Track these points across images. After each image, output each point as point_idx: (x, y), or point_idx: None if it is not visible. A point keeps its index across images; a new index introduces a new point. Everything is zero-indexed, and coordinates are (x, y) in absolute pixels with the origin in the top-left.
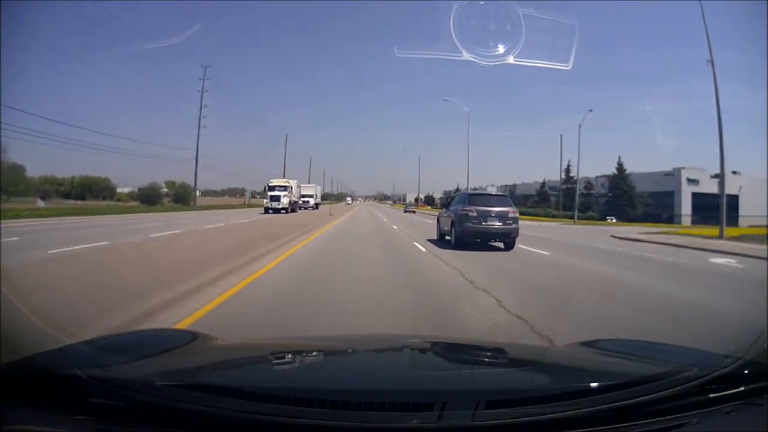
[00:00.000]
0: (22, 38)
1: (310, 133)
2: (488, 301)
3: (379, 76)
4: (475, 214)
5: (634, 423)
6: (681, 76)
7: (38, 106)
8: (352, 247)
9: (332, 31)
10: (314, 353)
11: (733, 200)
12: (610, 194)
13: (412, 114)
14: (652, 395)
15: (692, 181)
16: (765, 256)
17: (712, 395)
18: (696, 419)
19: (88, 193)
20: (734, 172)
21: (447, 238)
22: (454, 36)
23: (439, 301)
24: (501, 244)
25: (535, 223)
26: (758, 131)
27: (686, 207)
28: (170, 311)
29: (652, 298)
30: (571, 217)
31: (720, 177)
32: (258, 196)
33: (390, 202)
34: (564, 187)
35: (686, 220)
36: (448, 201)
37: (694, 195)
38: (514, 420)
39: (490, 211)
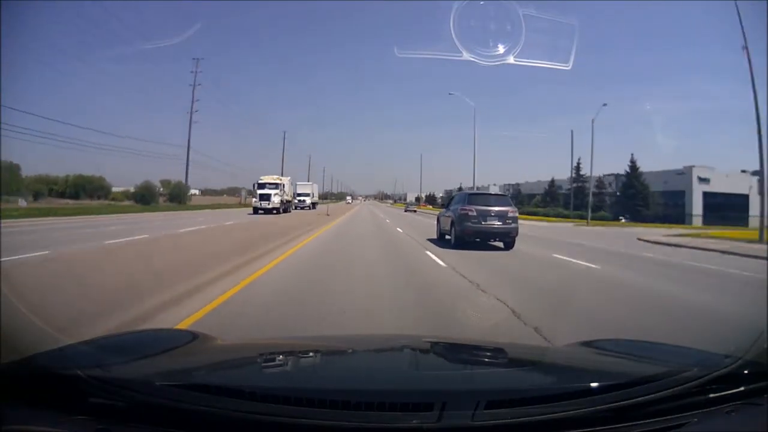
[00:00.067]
0: (22, 38)
1: (311, 133)
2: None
3: (379, 76)
4: (474, 214)
5: (634, 423)
6: (681, 76)
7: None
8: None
9: (332, 31)
10: (314, 353)
11: (743, 200)
12: (617, 193)
13: (413, 114)
14: (652, 395)
15: (703, 180)
16: None
17: (712, 395)
18: (696, 419)
19: (83, 192)
20: (744, 171)
21: (447, 237)
22: (454, 36)
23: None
24: (501, 244)
25: (546, 224)
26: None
27: (697, 207)
28: None
29: None
30: (583, 218)
31: (760, 175)
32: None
33: (390, 201)
34: (574, 185)
35: (697, 220)
36: (448, 201)
37: (705, 194)
38: (514, 420)
39: (490, 210)
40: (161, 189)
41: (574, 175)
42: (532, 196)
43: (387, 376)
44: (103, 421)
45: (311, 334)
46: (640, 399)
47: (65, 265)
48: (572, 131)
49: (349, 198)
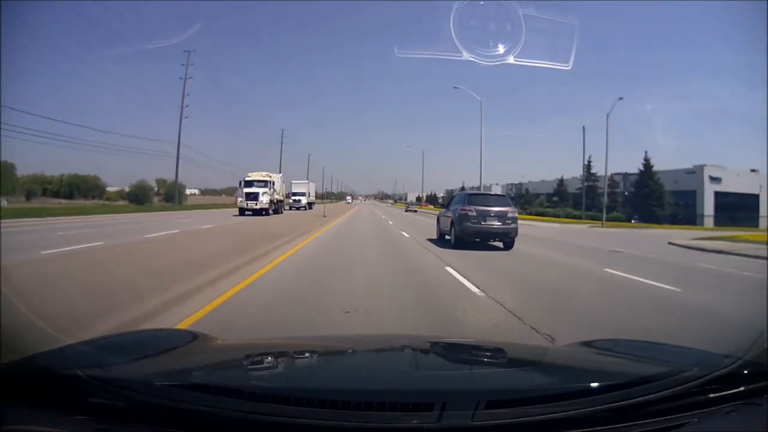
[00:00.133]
0: (22, 38)
1: (311, 133)
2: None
3: (379, 76)
4: (474, 214)
5: (634, 423)
6: (681, 76)
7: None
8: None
9: (332, 31)
10: (314, 353)
11: (753, 199)
12: (625, 193)
13: (413, 114)
14: (652, 395)
15: (715, 180)
16: None
17: (712, 395)
18: (696, 419)
19: (77, 192)
20: (753, 170)
21: (447, 237)
22: (454, 36)
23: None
24: (501, 244)
25: (557, 225)
26: (758, 131)
27: (708, 207)
28: None
29: None
30: (595, 218)
31: None
32: None
33: (391, 201)
34: (586, 184)
35: (708, 221)
36: (448, 201)
37: (717, 194)
38: (514, 420)
39: (490, 211)
40: (157, 188)
41: (585, 173)
42: (536, 195)
43: (387, 376)
44: (103, 421)
45: (311, 334)
46: (640, 399)
47: None
48: (584, 128)
49: (349, 198)
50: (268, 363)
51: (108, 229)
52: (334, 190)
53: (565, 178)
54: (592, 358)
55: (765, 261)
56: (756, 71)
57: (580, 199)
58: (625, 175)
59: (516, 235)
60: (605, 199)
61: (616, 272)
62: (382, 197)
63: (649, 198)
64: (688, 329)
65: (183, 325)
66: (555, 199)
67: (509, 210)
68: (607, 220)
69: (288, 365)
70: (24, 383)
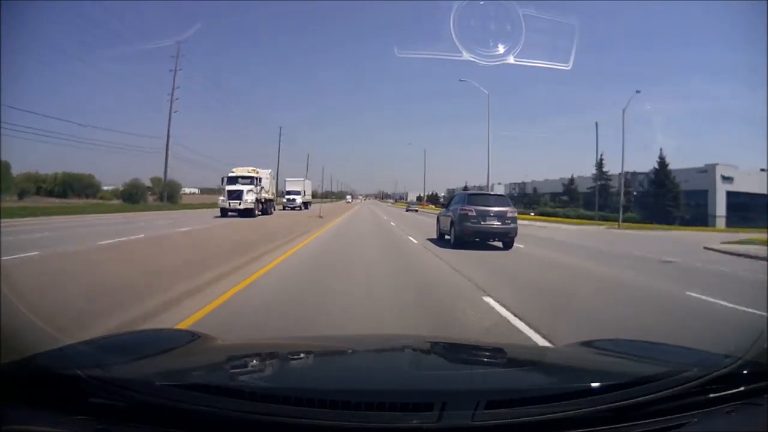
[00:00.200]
0: (22, 38)
1: (311, 133)
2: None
3: (379, 76)
4: (474, 214)
5: (634, 423)
6: (681, 76)
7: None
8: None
9: (332, 31)
10: (314, 353)
11: (764, 199)
12: (635, 192)
13: (413, 114)
14: (652, 395)
15: (726, 179)
16: None
17: (712, 395)
18: (696, 419)
19: (70, 191)
20: (763, 170)
21: (447, 237)
22: (454, 36)
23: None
24: (500, 244)
25: (572, 227)
26: (758, 131)
27: (721, 207)
28: None
29: None
30: (607, 219)
31: None
32: None
33: (391, 200)
34: (599, 183)
35: (720, 221)
36: (448, 201)
37: (729, 194)
38: (514, 420)
39: (489, 210)
40: (152, 187)
41: (597, 172)
42: (539, 195)
43: (387, 376)
44: (103, 421)
45: (311, 334)
46: (640, 399)
47: None
48: (597, 123)
49: (349, 197)
50: (268, 363)
51: (65, 232)
52: (334, 190)
53: (575, 176)
54: (592, 358)
55: None
56: (756, 71)
57: (591, 199)
58: (634, 174)
59: (515, 234)
60: (622, 199)
61: (705, 297)
62: (383, 197)
63: (665, 198)
64: None
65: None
66: (564, 198)
67: (509, 210)
68: (622, 220)
69: (288, 365)
70: (24, 383)
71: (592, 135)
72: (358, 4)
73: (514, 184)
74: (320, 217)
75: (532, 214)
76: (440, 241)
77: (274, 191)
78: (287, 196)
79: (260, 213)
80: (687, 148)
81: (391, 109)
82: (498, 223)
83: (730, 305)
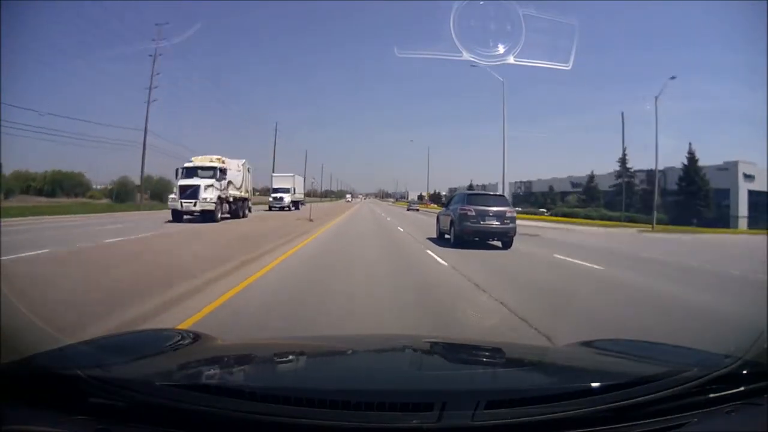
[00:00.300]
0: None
1: (311, 133)
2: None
3: (379, 76)
4: (473, 214)
5: (634, 423)
6: (681, 76)
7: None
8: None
9: (332, 31)
10: (314, 353)
11: None
12: (647, 190)
13: (413, 113)
14: (652, 395)
15: (748, 177)
16: None
17: (712, 395)
18: (696, 419)
19: (59, 190)
20: None
21: (446, 236)
22: (454, 36)
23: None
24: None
25: (600, 229)
26: (758, 131)
27: (743, 206)
28: None
29: None
30: (633, 220)
31: None
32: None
33: (392, 200)
34: (620, 180)
35: (742, 222)
36: (447, 200)
37: (750, 193)
38: (514, 420)
39: (489, 210)
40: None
41: (620, 168)
42: (545, 194)
43: (387, 376)
44: (103, 421)
45: (311, 334)
46: (640, 399)
47: None
48: (623, 113)
49: (348, 196)
50: (268, 363)
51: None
52: (334, 189)
53: (576, 174)
54: (592, 358)
55: None
56: (756, 71)
57: (612, 198)
58: (648, 173)
59: (514, 234)
60: (656, 199)
61: None
62: (383, 196)
63: (695, 197)
64: None
65: None
66: (571, 196)
67: (508, 210)
68: (648, 222)
69: (288, 365)
70: (24, 383)
71: (592, 135)
72: (358, 4)
73: (520, 182)
74: (310, 220)
75: (547, 213)
76: (440, 240)
77: (249, 187)
78: (273, 195)
79: (227, 215)
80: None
81: (391, 109)
82: (497, 222)
83: None
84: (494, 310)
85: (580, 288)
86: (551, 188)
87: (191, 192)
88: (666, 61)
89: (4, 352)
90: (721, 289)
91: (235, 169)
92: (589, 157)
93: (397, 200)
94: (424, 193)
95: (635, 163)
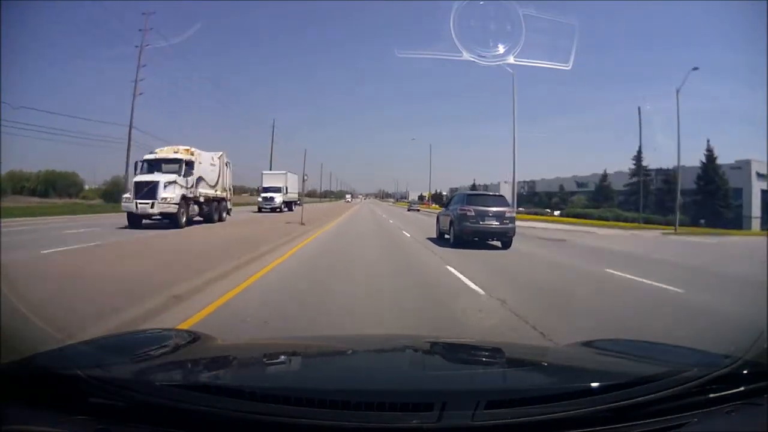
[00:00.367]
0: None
1: (311, 133)
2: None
3: (379, 76)
4: (473, 214)
5: (634, 423)
6: (681, 76)
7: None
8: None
9: (332, 31)
10: (314, 353)
11: None
12: (663, 190)
13: (413, 113)
14: (652, 395)
15: (761, 176)
16: None
17: (712, 395)
18: (696, 419)
19: (52, 190)
20: None
21: (446, 236)
22: (454, 36)
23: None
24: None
25: (621, 232)
26: (758, 131)
27: (756, 207)
28: None
29: None
30: (652, 222)
31: None
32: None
33: (392, 200)
34: (635, 180)
35: (755, 223)
36: (447, 201)
37: (764, 192)
38: (514, 420)
39: (488, 211)
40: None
41: (635, 166)
42: (550, 194)
43: (387, 376)
44: (103, 421)
45: (311, 334)
46: (640, 399)
47: None
48: (639, 108)
49: (348, 196)
50: (268, 363)
51: None
52: (334, 189)
53: (581, 174)
54: (592, 358)
55: None
56: (756, 71)
57: (627, 197)
58: (657, 172)
59: (513, 234)
60: (679, 198)
61: None
62: (383, 196)
63: (715, 196)
64: None
65: None
66: (576, 196)
67: (507, 210)
68: (667, 224)
69: (288, 365)
70: (24, 383)
71: (592, 135)
72: (358, 4)
73: (523, 182)
74: (301, 224)
75: (557, 214)
76: (440, 240)
77: (228, 185)
78: (263, 195)
79: (199, 218)
80: (687, 148)
81: (391, 109)
82: (496, 223)
83: None
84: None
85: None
86: (562, 187)
87: (148, 191)
88: (666, 61)
89: (4, 352)
90: None
91: (208, 162)
92: (589, 157)
93: (397, 200)
94: (424, 193)
95: (657, 161)
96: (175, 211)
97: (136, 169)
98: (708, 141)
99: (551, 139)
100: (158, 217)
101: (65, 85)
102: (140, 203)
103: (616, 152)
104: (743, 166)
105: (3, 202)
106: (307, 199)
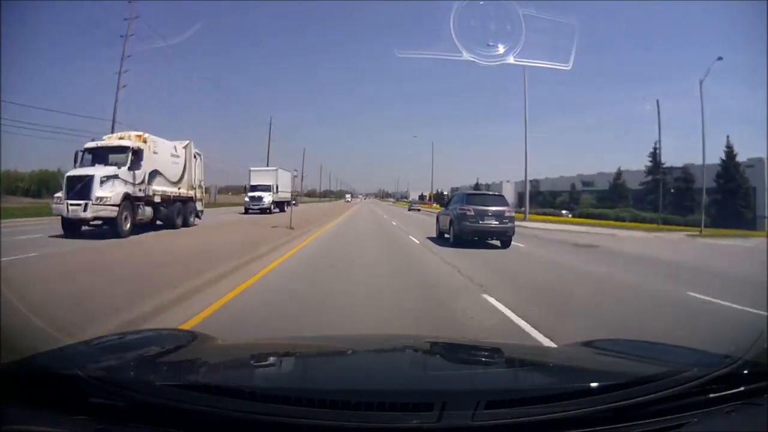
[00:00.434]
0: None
1: (311, 132)
2: None
3: (379, 76)
4: (472, 213)
5: (634, 423)
6: (681, 76)
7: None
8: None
9: (332, 31)
10: (314, 353)
11: None
12: (681, 189)
13: (413, 113)
14: (652, 395)
15: None
16: None
17: (712, 395)
18: (696, 419)
19: (45, 190)
20: None
21: (446, 236)
22: (454, 36)
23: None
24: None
25: (643, 233)
26: (758, 131)
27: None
28: None
29: None
30: (670, 222)
31: None
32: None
33: (392, 200)
34: (650, 178)
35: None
36: (447, 201)
37: None
38: (514, 420)
39: (487, 210)
40: None
41: (651, 163)
42: (554, 193)
43: (387, 376)
44: (103, 421)
45: (311, 334)
46: (640, 399)
47: None
48: (658, 101)
49: (348, 196)
50: (268, 363)
51: None
52: (334, 189)
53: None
54: (592, 358)
55: None
56: (756, 71)
57: (643, 197)
58: (666, 170)
59: (513, 233)
60: (704, 198)
61: None
62: (383, 196)
63: (735, 195)
64: None
65: None
66: (583, 195)
67: (506, 210)
68: (686, 224)
69: (288, 365)
70: (24, 383)
71: (591, 135)
72: (358, 4)
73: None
74: (290, 228)
75: (569, 215)
76: (440, 239)
77: (197, 181)
78: (250, 194)
79: (166, 223)
80: (687, 148)
81: (391, 109)
82: (496, 222)
83: None
84: None
85: None
86: (573, 186)
87: (81, 188)
88: (666, 61)
89: (4, 352)
90: None
91: (167, 153)
92: (589, 156)
93: (397, 200)
94: (425, 193)
95: (646, 162)
96: (114, 215)
97: (75, 161)
98: (728, 137)
99: (551, 139)
100: (98, 222)
101: (65, 85)
102: (72, 205)
103: (616, 152)
104: (756, 164)
105: None
106: (306, 199)
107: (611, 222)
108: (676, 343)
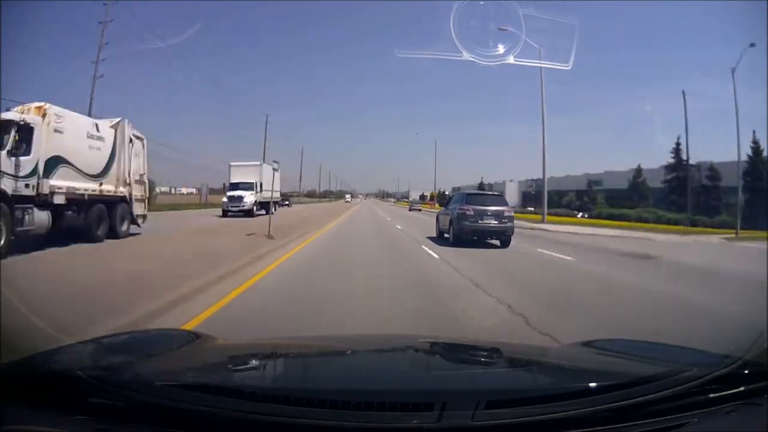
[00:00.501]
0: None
1: (311, 132)
2: None
3: (379, 76)
4: (472, 213)
5: (634, 423)
6: (681, 76)
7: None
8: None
9: (332, 31)
10: (314, 353)
11: None
12: (707, 187)
13: (413, 113)
14: (652, 395)
15: None
16: None
17: (712, 395)
18: (696, 419)
19: None
20: None
21: (446, 236)
22: (454, 36)
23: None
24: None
25: (677, 237)
26: (758, 131)
27: None
28: None
29: None
30: (695, 223)
31: None
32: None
33: (393, 200)
34: (673, 175)
35: None
36: (447, 200)
37: None
38: (514, 420)
39: (487, 210)
40: None
41: (674, 161)
42: (561, 193)
43: (387, 376)
44: (103, 421)
45: (311, 334)
46: (640, 399)
47: None
48: (684, 92)
49: (348, 196)
50: (268, 363)
51: None
52: (334, 189)
53: (611, 169)
54: (592, 358)
55: None
56: (756, 71)
57: (664, 196)
58: (694, 166)
59: (512, 233)
60: (740, 198)
61: None
62: (383, 196)
63: (764, 194)
64: None
65: None
66: (632, 197)
67: (506, 209)
68: (712, 226)
69: (288, 365)
70: (24, 383)
71: (592, 135)
72: (358, 4)
73: (531, 180)
74: (270, 237)
75: (585, 216)
76: (440, 239)
77: (130, 174)
78: (229, 193)
79: (64, 231)
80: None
81: (391, 109)
82: (495, 222)
83: None
84: None
85: None
86: (589, 185)
87: None
88: (666, 61)
89: (4, 352)
90: None
91: (82, 133)
92: (588, 156)
93: (398, 200)
94: (426, 193)
95: (658, 160)
96: None
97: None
98: (754, 132)
99: (551, 138)
100: None
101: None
102: None
103: (616, 152)
104: None
105: None
106: (305, 199)
107: (634, 223)
108: None
